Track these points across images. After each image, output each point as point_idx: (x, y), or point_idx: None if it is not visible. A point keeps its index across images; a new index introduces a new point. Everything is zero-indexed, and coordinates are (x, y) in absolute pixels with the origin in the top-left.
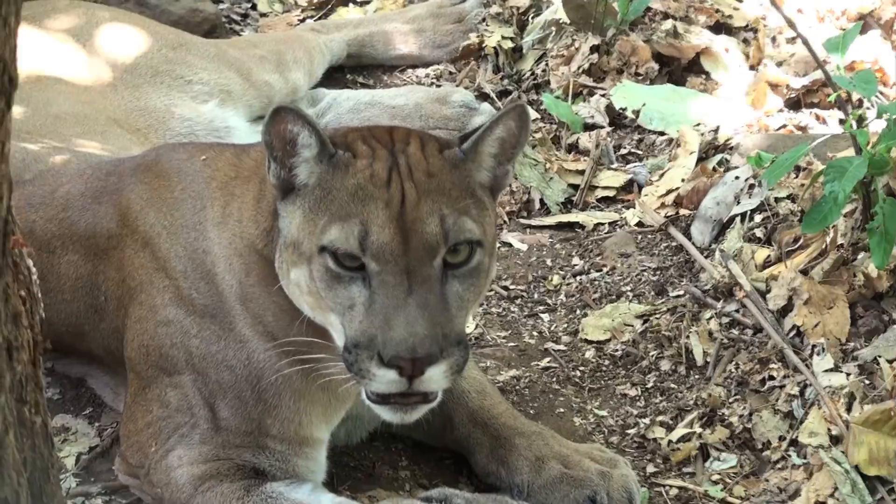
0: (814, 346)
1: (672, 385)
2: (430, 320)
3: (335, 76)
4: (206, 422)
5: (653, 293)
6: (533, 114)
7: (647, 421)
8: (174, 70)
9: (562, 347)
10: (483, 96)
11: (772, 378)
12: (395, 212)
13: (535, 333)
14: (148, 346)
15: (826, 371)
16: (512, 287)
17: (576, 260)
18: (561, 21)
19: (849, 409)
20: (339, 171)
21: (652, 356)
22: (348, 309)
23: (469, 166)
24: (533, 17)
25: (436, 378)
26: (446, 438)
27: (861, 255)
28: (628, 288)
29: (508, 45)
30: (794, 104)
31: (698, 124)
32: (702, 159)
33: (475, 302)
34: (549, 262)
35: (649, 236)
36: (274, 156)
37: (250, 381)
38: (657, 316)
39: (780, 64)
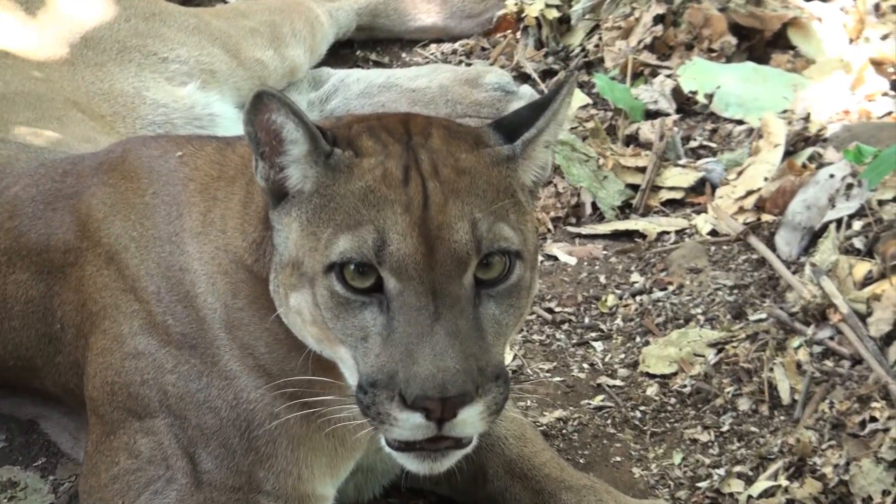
0: None
1: (752, 428)
2: (463, 351)
3: (342, 53)
4: (184, 475)
5: (729, 317)
6: (583, 98)
7: (721, 472)
8: (146, 45)
9: (618, 383)
10: (523, 77)
11: (874, 420)
12: (417, 217)
13: (585, 366)
14: (113, 383)
15: None
16: (558, 309)
17: (635, 276)
18: None
19: None
20: (340, 174)
21: (728, 393)
22: (361, 340)
23: (517, 164)
24: None
25: (471, 421)
26: (478, 493)
27: None
28: (699, 310)
29: (554, 14)
30: None
31: (785, 111)
32: (789, 154)
33: (515, 326)
34: (602, 278)
35: (725, 248)
36: (260, 152)
37: (238, 427)
38: (734, 344)
39: (885, 37)
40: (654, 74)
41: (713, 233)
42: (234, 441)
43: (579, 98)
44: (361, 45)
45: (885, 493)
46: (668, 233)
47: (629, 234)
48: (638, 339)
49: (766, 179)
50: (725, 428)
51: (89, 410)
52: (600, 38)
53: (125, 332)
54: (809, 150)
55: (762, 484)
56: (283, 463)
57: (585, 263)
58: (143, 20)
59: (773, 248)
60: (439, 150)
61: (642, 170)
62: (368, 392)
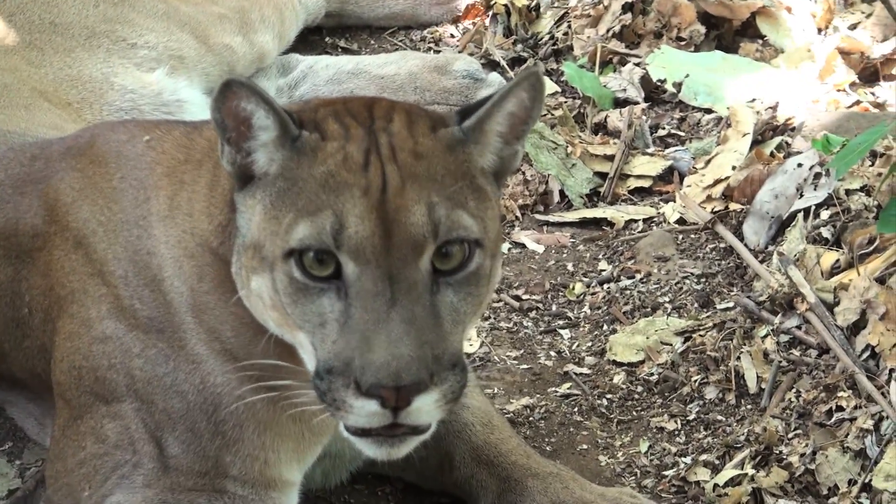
0: (892, 371)
1: (719, 417)
2: (418, 339)
3: (311, 39)
4: (151, 460)
5: (696, 305)
6: (552, 86)
7: (688, 460)
8: (115, 31)
9: (585, 371)
10: (491, 64)
11: (840, 409)
12: (376, 200)
13: (552, 353)
14: (81, 367)
15: None
16: (525, 297)
17: (603, 264)
18: None
19: None
20: (304, 157)
21: (695, 382)
22: (319, 327)
23: (470, 148)
24: None
25: (426, 409)
26: (444, 480)
27: None
28: (666, 299)
29: (522, 2)
30: (871, 76)
31: (753, 100)
32: (757, 143)
33: (474, 314)
34: (570, 266)
35: (692, 236)
36: (227, 138)
37: (205, 411)
38: (701, 333)
39: (853, 27)
40: (623, 63)
41: (681, 221)
42: (201, 425)
43: (548, 86)
44: (330, 31)
45: (851, 482)
46: (635, 221)
47: (597, 222)
48: (605, 327)
49: (734, 168)
50: (692, 416)
51: (56, 395)
52: (569, 26)
53: (92, 317)
54: (777, 140)
55: (728, 472)
56: (249, 447)
57: (553, 251)
58: (112, 5)
59: (740, 236)
60: (399, 133)
61: (610, 158)
62: (325, 378)
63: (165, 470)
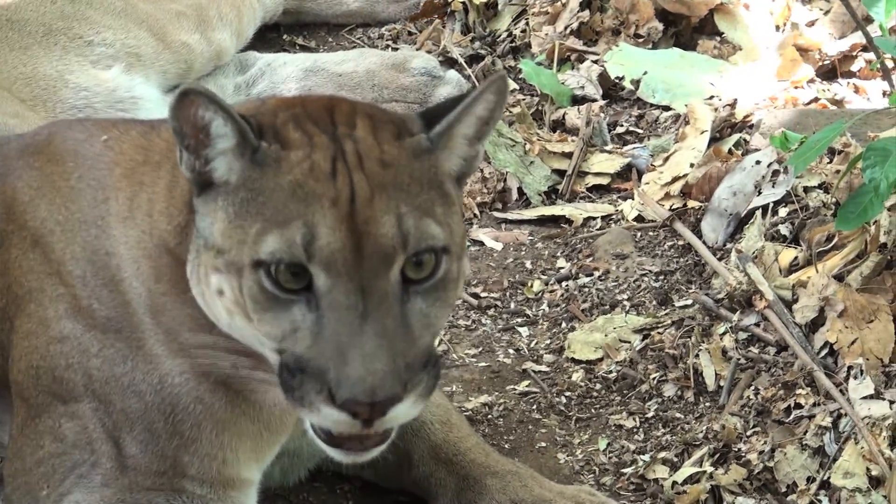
0: (850, 368)
1: (677, 414)
2: (391, 352)
3: (269, 37)
4: (109, 459)
5: (654, 303)
6: (510, 84)
7: (646, 458)
8: (72, 28)
9: (544, 368)
10: (449, 62)
11: (799, 406)
12: (345, 211)
13: (511, 351)
14: (38, 367)
15: (865, 398)
16: (483, 295)
17: (561, 262)
18: None
19: (892, 445)
20: (268, 168)
21: (653, 379)
22: (291, 333)
23: (437, 155)
24: None
25: (400, 415)
26: (403, 478)
27: None
28: (625, 296)
29: None
30: (829, 73)
31: (711, 97)
32: (715, 140)
33: (445, 317)
34: (528, 264)
35: (651, 233)
36: (185, 145)
37: (163, 411)
38: (660, 330)
39: (811, 24)
40: (581, 60)
41: (639, 219)
42: (159, 425)
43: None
44: (288, 29)
45: (810, 479)
46: (594, 218)
47: (555, 220)
48: (564, 325)
49: (692, 166)
50: (651, 414)
51: (14, 394)
52: (527, 23)
53: (50, 316)
54: (735, 137)
55: (687, 470)
56: (207, 447)
57: (511, 249)
58: (70, 2)
59: (699, 234)
60: (364, 140)
61: (569, 155)
62: (296, 376)
63: (123, 469)
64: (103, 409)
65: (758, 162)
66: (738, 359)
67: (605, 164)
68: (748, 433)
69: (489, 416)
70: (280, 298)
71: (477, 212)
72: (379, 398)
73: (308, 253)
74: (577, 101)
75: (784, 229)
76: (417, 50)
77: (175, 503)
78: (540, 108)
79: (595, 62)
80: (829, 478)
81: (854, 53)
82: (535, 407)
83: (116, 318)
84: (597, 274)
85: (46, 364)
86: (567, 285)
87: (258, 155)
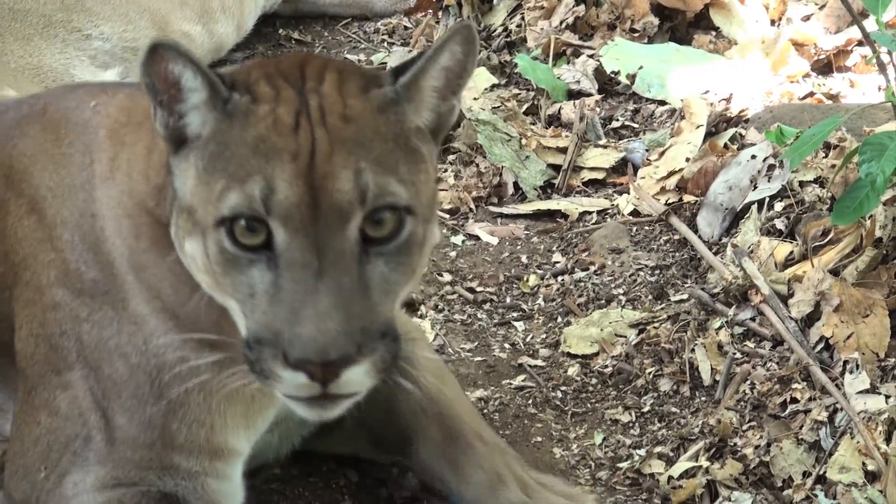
0: (846, 363)
1: (673, 409)
2: (345, 312)
3: (265, 31)
4: (99, 432)
5: (650, 297)
6: (505, 80)
7: (642, 452)
8: (70, 20)
9: (539, 363)
10: None
11: (794, 401)
12: (304, 166)
13: (506, 346)
14: (37, 335)
15: (861, 392)
16: (479, 289)
17: (557, 256)
18: None
19: (888, 440)
20: (236, 120)
21: (649, 374)
22: (249, 297)
23: (404, 107)
24: None
25: (355, 380)
26: (389, 432)
27: None
28: (620, 291)
29: None
30: (824, 67)
31: (706, 92)
32: (711, 134)
33: (407, 283)
34: (524, 258)
35: (646, 228)
36: (159, 101)
37: (149, 373)
38: (655, 325)
39: (806, 18)
40: (577, 55)
41: (635, 213)
42: (145, 389)
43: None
44: (284, 23)
45: (806, 474)
46: (589, 213)
47: (551, 214)
48: (559, 320)
49: (687, 160)
50: (646, 408)
51: (19, 370)
52: (522, 18)
53: (44, 283)
54: (731, 131)
55: (683, 465)
56: (195, 411)
57: (507, 243)
58: None
59: (694, 228)
60: (329, 95)
61: (564, 150)
62: (254, 348)
63: (112, 443)
64: (93, 376)
65: (753, 156)
66: (734, 353)
67: (600, 158)
68: (744, 428)
69: (485, 411)
70: (240, 259)
71: (473, 206)
72: (331, 357)
73: (266, 207)
74: (573, 95)
75: (780, 224)
76: (413, 44)
77: (165, 479)
78: (535, 102)
79: (590, 57)
80: (825, 472)
81: (849, 48)
82: (530, 401)
83: (102, 281)
84: (592, 268)
85: (43, 332)
86: (563, 280)
87: (229, 106)
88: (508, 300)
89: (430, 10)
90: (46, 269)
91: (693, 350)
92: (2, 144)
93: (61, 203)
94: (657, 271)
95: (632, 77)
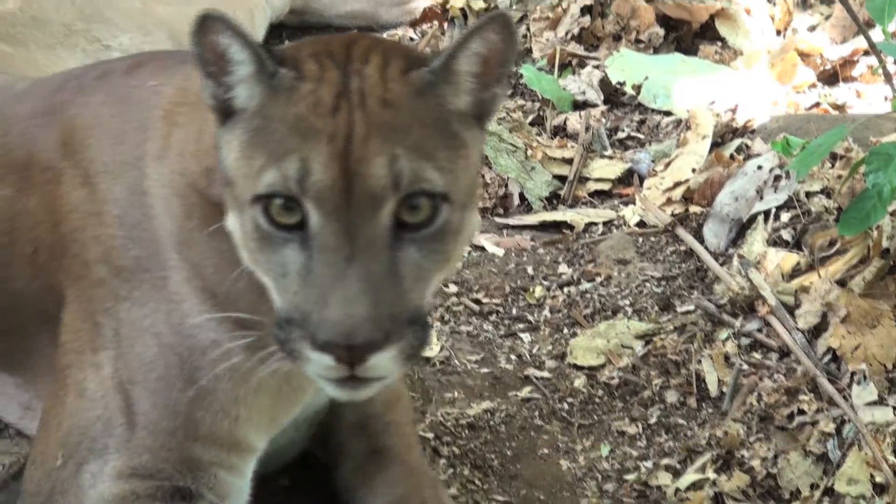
0: (853, 374)
1: (680, 421)
2: (374, 298)
3: (270, 41)
4: (120, 416)
5: (657, 308)
6: (510, 90)
7: (649, 464)
8: (90, 30)
9: (546, 374)
10: None
11: (802, 412)
12: (340, 149)
13: (513, 357)
14: (83, 312)
15: (868, 404)
16: (485, 300)
17: (563, 267)
18: None
19: None
20: (280, 96)
21: (655, 385)
22: (281, 277)
23: (442, 91)
24: None
25: (382, 365)
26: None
27: None
28: (627, 302)
29: (480, 5)
30: (830, 78)
31: (712, 102)
32: (717, 145)
33: (441, 271)
34: (530, 270)
35: (652, 239)
36: (207, 72)
37: (180, 354)
38: (662, 336)
39: (812, 29)
40: (582, 65)
41: (641, 224)
42: (174, 371)
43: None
44: (290, 35)
45: (814, 486)
46: (595, 224)
47: (557, 226)
48: (566, 331)
49: (693, 171)
50: (653, 420)
51: (60, 345)
52: (528, 29)
53: (90, 259)
54: (737, 142)
55: (690, 477)
56: (222, 400)
57: (513, 254)
58: (89, 2)
59: (700, 239)
60: (370, 77)
61: (570, 161)
62: (284, 328)
63: (133, 428)
64: (123, 357)
65: (759, 167)
66: (741, 365)
67: (606, 169)
68: (751, 439)
69: (491, 423)
70: (274, 237)
71: (478, 217)
72: (356, 342)
73: (301, 188)
74: (579, 106)
75: (786, 234)
76: None
77: (182, 471)
78: (541, 113)
79: (596, 67)
80: (832, 485)
81: (855, 58)
82: (537, 413)
83: (145, 258)
84: (598, 279)
85: (88, 309)
86: (569, 291)
87: (275, 81)
88: (514, 311)
89: (436, 22)
90: (94, 245)
91: (700, 361)
92: (65, 110)
93: (113, 179)
94: (663, 282)
95: (637, 88)
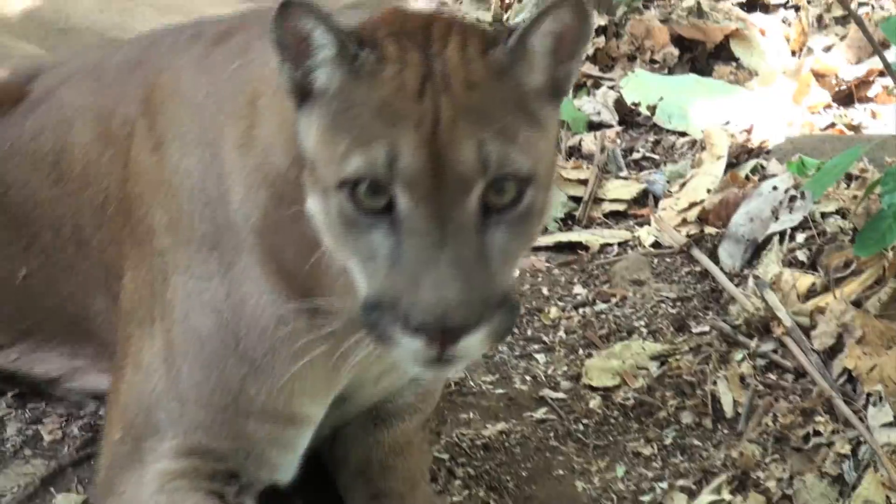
0: (869, 395)
1: (695, 441)
2: (466, 282)
3: None
4: (172, 390)
5: (672, 329)
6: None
7: (664, 485)
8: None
9: (561, 395)
10: None
11: (817, 434)
12: (428, 133)
13: (528, 378)
14: (143, 280)
15: (884, 425)
16: None
17: (578, 288)
18: None
19: None
20: (362, 79)
21: (671, 406)
22: (369, 260)
23: (518, 70)
24: None
25: (472, 346)
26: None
27: None
28: (642, 323)
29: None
30: (845, 98)
31: (727, 123)
32: (732, 166)
33: (524, 251)
34: (545, 290)
35: (668, 260)
36: (286, 57)
37: (237, 332)
38: (677, 357)
39: (827, 49)
40: (597, 86)
41: (656, 245)
42: (230, 346)
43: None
44: None
45: None
46: (610, 245)
47: (572, 246)
48: (581, 352)
49: (708, 191)
50: (668, 441)
51: (122, 314)
52: None
53: (154, 225)
54: (752, 162)
55: (705, 498)
56: (278, 376)
57: (528, 275)
58: (118, 13)
59: (716, 260)
60: (452, 59)
61: (585, 182)
62: (373, 312)
63: (184, 404)
64: (180, 328)
65: (775, 188)
66: (756, 385)
67: (621, 190)
68: (767, 460)
69: (506, 444)
70: (361, 222)
71: None
72: (450, 325)
73: (390, 173)
74: (594, 126)
75: (801, 255)
76: None
77: (237, 451)
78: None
79: (611, 88)
80: None
81: (871, 78)
82: (552, 434)
83: (213, 236)
84: (614, 300)
85: (149, 276)
86: (584, 312)
87: (357, 63)
88: (530, 332)
89: None
90: (159, 213)
91: (715, 382)
92: (153, 65)
93: (185, 153)
94: (679, 303)
95: (652, 108)
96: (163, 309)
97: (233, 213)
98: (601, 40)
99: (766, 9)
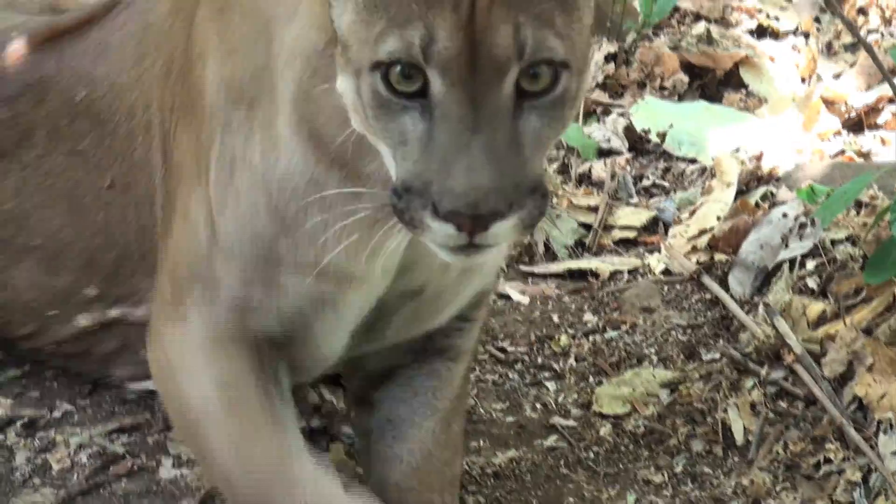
0: (879, 423)
1: (706, 469)
2: (498, 168)
3: None
4: (209, 242)
5: (682, 357)
6: None
7: None
8: None
9: (571, 423)
10: None
11: (828, 461)
12: (464, 17)
13: (538, 406)
14: (193, 138)
15: (895, 453)
16: (510, 349)
17: (588, 316)
18: None
19: None
20: None
21: (681, 434)
22: (400, 144)
23: None
24: None
25: (503, 233)
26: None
27: None
28: (652, 350)
29: None
30: (855, 125)
31: (737, 150)
32: (742, 193)
33: (556, 138)
34: (555, 318)
35: (678, 287)
36: None
37: (269, 189)
38: (687, 384)
39: (837, 76)
40: (607, 113)
41: (666, 272)
42: (261, 204)
43: None
44: None
45: None
46: (620, 272)
47: (582, 274)
48: (591, 379)
49: (718, 219)
50: (679, 469)
51: (172, 172)
52: None
53: (206, 87)
54: (762, 190)
55: None
56: (309, 229)
57: (538, 303)
58: None
59: (726, 287)
60: None
61: (595, 209)
62: (403, 197)
63: (224, 256)
64: (221, 184)
65: (785, 215)
66: (767, 413)
67: (631, 217)
68: (777, 488)
69: (516, 472)
70: (393, 105)
71: (503, 265)
72: (481, 212)
73: (425, 56)
74: (604, 153)
75: (812, 282)
76: None
77: (275, 305)
78: (566, 161)
79: (621, 115)
80: None
81: (880, 105)
82: (562, 462)
83: (257, 98)
84: (624, 328)
85: (198, 134)
86: (594, 339)
87: None
88: (540, 360)
89: None
90: (213, 74)
91: (725, 410)
92: None
93: (245, 19)
94: (689, 330)
95: (662, 135)
96: (207, 164)
97: (274, 80)
98: (611, 67)
99: (776, 36)
